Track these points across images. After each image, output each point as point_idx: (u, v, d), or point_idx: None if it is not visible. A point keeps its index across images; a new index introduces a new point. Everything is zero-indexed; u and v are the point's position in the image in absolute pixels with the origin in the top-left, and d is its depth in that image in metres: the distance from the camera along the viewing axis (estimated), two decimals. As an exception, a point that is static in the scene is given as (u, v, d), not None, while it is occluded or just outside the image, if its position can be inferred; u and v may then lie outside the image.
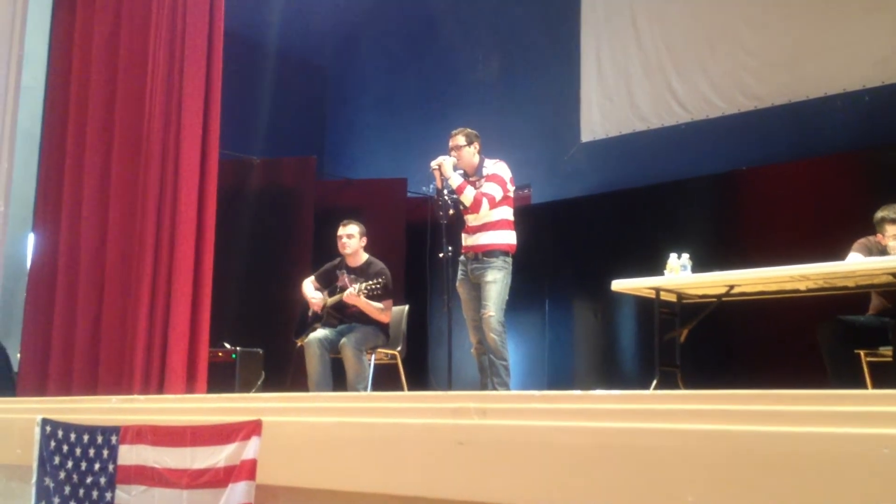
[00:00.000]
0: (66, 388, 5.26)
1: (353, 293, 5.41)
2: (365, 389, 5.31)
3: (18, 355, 5.89)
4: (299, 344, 5.71)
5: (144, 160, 5.19)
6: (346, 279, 5.65)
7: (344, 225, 5.76)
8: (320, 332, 5.53)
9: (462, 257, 5.16)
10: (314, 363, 5.41)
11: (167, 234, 5.02)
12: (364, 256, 5.78)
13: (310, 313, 5.83)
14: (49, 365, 5.45)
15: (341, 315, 5.69)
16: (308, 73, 10.02)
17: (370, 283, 5.42)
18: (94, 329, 5.27)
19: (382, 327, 5.66)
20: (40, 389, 5.40)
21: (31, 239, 6.11)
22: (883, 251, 4.46)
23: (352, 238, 5.69)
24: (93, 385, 5.14)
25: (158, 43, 5.27)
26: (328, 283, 5.85)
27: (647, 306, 5.29)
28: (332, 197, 8.42)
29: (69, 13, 6.08)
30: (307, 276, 6.01)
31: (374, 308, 5.52)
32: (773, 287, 4.66)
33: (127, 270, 5.16)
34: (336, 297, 5.66)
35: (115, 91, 5.52)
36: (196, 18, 5.24)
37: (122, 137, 5.40)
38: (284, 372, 6.21)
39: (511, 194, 5.13)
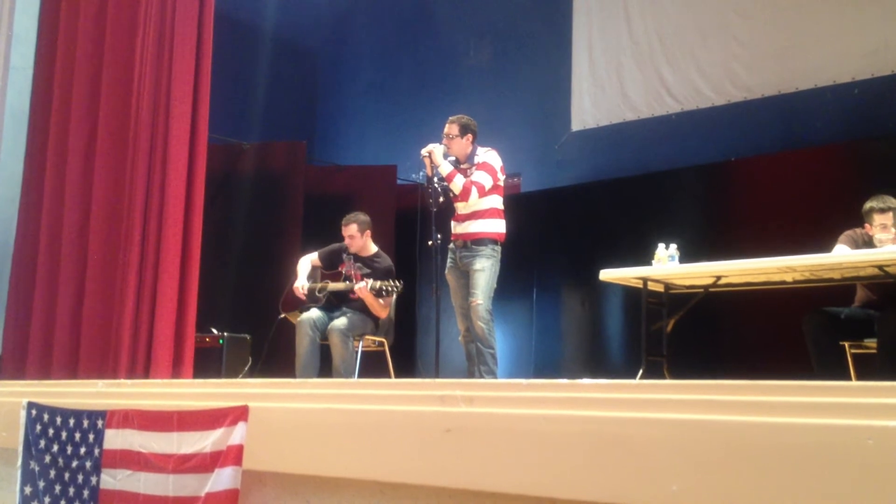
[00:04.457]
0: (45, 372, 5.20)
1: (365, 288, 5.38)
2: (351, 376, 5.31)
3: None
4: (282, 315, 5.71)
5: (132, 144, 5.14)
6: (352, 267, 5.63)
7: (345, 225, 5.71)
8: (314, 313, 5.52)
9: (451, 245, 5.16)
10: (304, 344, 5.41)
11: (155, 218, 4.98)
12: (373, 248, 5.75)
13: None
14: (28, 347, 5.41)
15: (339, 301, 5.68)
16: (299, 57, 9.96)
17: (386, 284, 5.35)
18: (76, 312, 5.22)
19: (373, 315, 5.65)
20: (19, 372, 5.37)
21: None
22: (869, 243, 4.48)
23: (353, 239, 5.66)
24: (73, 368, 5.10)
25: (147, 25, 5.21)
26: (331, 265, 5.82)
27: (634, 296, 5.31)
28: (322, 182, 8.39)
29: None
30: (295, 261, 5.96)
31: (379, 304, 5.50)
32: (760, 278, 4.69)
33: (113, 253, 5.12)
34: (343, 286, 5.60)
35: (100, 73, 5.45)
36: (186, 0, 5.20)
37: (108, 120, 5.33)
38: (268, 351, 6.13)
39: (501, 183, 5.13)
